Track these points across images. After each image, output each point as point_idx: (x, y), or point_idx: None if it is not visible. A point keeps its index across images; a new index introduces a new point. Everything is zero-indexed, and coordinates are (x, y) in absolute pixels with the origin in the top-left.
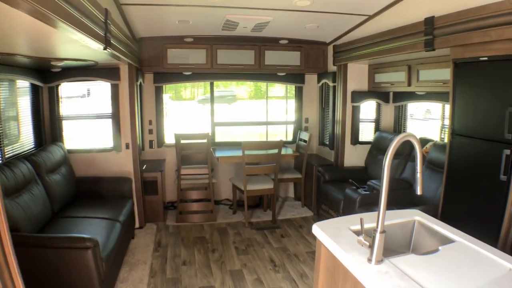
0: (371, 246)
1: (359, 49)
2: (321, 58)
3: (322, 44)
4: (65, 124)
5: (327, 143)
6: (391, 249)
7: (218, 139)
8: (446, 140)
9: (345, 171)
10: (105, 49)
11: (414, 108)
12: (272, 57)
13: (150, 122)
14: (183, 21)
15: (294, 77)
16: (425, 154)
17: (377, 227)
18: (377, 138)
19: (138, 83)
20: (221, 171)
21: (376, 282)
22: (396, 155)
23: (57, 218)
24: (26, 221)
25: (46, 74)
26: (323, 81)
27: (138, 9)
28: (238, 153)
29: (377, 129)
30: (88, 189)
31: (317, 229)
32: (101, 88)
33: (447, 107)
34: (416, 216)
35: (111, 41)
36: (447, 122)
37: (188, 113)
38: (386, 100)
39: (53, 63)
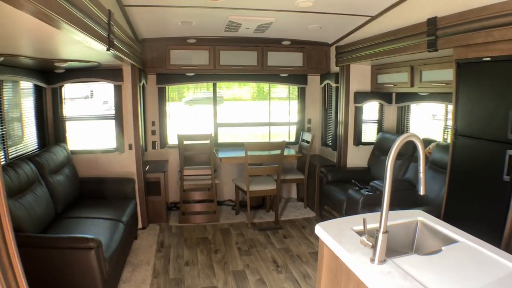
0: (374, 246)
1: (362, 50)
2: (324, 59)
3: (324, 45)
4: (69, 125)
5: (330, 144)
6: (394, 250)
7: (221, 140)
8: (449, 141)
9: (348, 172)
10: (108, 50)
11: (418, 112)
12: (275, 58)
13: (153, 123)
14: (186, 22)
15: (296, 78)
16: (428, 155)
17: (380, 227)
18: (380, 138)
19: (141, 84)
20: (224, 172)
21: (379, 282)
22: (399, 155)
23: (61, 219)
24: (30, 221)
25: (50, 75)
26: (326, 82)
27: (141, 10)
28: (241, 154)
29: (379, 130)
30: (91, 190)
31: (320, 230)
32: (104, 89)
33: (450, 107)
34: (419, 216)
35: (114, 42)
36: (450, 122)
37: (191, 114)
38: (389, 101)
39: (56, 64)
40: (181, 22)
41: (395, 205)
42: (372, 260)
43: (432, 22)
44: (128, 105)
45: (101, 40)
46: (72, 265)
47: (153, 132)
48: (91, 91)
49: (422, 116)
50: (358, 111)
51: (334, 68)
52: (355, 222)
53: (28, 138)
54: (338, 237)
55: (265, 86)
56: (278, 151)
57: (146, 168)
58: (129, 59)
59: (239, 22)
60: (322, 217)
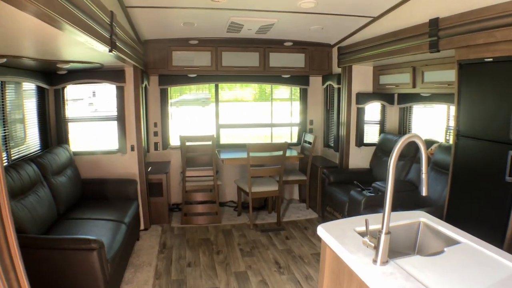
0: (376, 247)
1: (364, 51)
2: (326, 60)
3: (326, 46)
4: (71, 126)
5: (332, 145)
6: (396, 251)
7: (223, 141)
8: (451, 142)
9: (350, 173)
10: (110, 51)
11: (420, 113)
12: (277, 59)
13: (155, 125)
14: (188, 24)
15: (298, 79)
16: (430, 156)
17: (382, 228)
18: (382, 140)
19: (143, 85)
20: (226, 173)
21: (382, 283)
22: (401, 156)
23: (63, 220)
24: (32, 222)
25: (52, 77)
26: (328, 83)
27: (143, 11)
28: (243, 155)
29: (382, 131)
30: (94, 191)
31: (322, 231)
32: (107, 90)
33: (452, 108)
34: (421, 217)
35: (117, 43)
36: (452, 123)
37: (193, 116)
38: (391, 102)
39: (59, 65)
40: (183, 23)
41: (397, 206)
42: (375, 261)
43: (434, 23)
44: (130, 106)
45: (104, 41)
46: (74, 266)
47: (155, 134)
48: (94, 92)
49: (424, 117)
50: (360, 112)
51: (336, 69)
52: (357, 223)
53: (30, 139)
54: (340, 238)
55: (267, 87)
56: (280, 152)
57: (148, 170)
58: (131, 61)
59: (241, 23)
60: (324, 218)
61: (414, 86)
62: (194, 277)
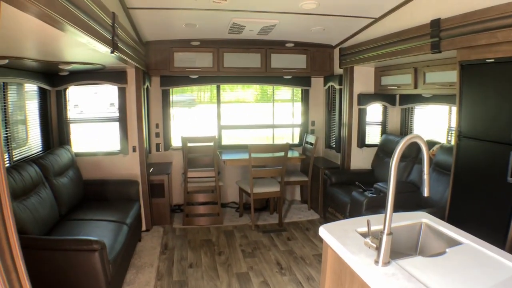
0: (378, 248)
1: (365, 52)
2: (327, 61)
3: (328, 47)
4: (73, 128)
5: (334, 146)
6: (398, 252)
7: (224, 142)
8: (453, 143)
9: (352, 174)
10: (112, 52)
11: (422, 114)
12: (278, 60)
13: (157, 126)
14: (189, 25)
15: (300, 80)
16: (432, 157)
17: (384, 229)
18: (383, 140)
19: (145, 86)
20: (227, 174)
21: (384, 284)
22: (403, 157)
23: (65, 221)
24: (34, 223)
25: (54, 78)
26: (330, 84)
27: (145, 13)
28: (245, 156)
29: (383, 131)
30: (95, 192)
31: (324, 231)
32: (109, 92)
33: (454, 109)
34: (423, 218)
35: (119, 44)
36: (453, 124)
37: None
38: (393, 103)
39: (61, 66)
40: (185, 24)
41: (399, 207)
42: (377, 262)
43: (436, 24)
44: (132, 107)
45: (106, 42)
46: (76, 267)
47: (157, 135)
48: (95, 93)
49: (426, 118)
50: (361, 113)
51: (338, 70)
52: (359, 224)
53: (32, 141)
54: (342, 239)
55: (268, 88)
56: (282, 153)
57: (150, 170)
58: (133, 62)
59: (242, 24)
60: (326, 219)
61: (415, 87)
62: (195, 278)
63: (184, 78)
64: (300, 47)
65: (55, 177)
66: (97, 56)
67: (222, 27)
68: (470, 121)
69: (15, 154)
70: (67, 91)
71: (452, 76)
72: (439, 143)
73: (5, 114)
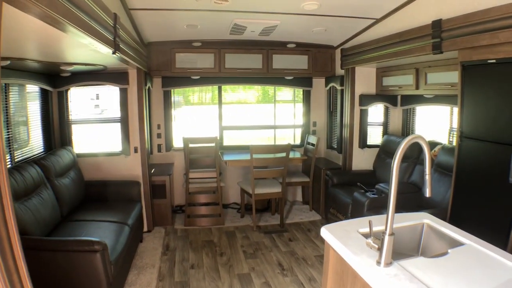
0: (380, 249)
1: (367, 53)
2: (329, 62)
3: (329, 47)
4: (74, 128)
5: (335, 146)
6: (400, 252)
7: (226, 143)
8: (454, 143)
9: (353, 175)
10: (114, 53)
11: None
12: (280, 61)
13: (159, 126)
14: (191, 26)
15: (301, 80)
16: (434, 158)
17: (386, 229)
18: (385, 141)
19: (147, 87)
20: (229, 175)
21: (386, 285)
22: (405, 158)
23: (66, 222)
24: (35, 224)
25: (56, 79)
26: (331, 84)
27: (147, 13)
28: (246, 156)
29: (385, 132)
30: (97, 193)
31: (326, 232)
32: (110, 93)
33: (456, 110)
34: (424, 219)
35: (120, 45)
36: (455, 125)
37: (196, 117)
38: (394, 104)
39: (62, 67)
40: (186, 25)
41: (400, 208)
42: (378, 263)
43: (437, 24)
44: (134, 108)
45: (107, 43)
46: (78, 268)
47: (159, 135)
48: (97, 94)
49: (428, 118)
50: (363, 114)
51: (339, 71)
52: (361, 224)
53: (34, 141)
54: (344, 239)
55: (270, 89)
56: (284, 154)
57: (152, 171)
58: (135, 63)
59: (244, 25)
60: (327, 220)
61: (417, 87)
62: (197, 279)
63: (185, 79)
64: (302, 48)
65: (57, 178)
66: (98, 57)
67: (224, 28)
68: (471, 122)
69: (16, 155)
70: (69, 92)
71: (453, 76)
72: (441, 143)
73: (7, 115)
